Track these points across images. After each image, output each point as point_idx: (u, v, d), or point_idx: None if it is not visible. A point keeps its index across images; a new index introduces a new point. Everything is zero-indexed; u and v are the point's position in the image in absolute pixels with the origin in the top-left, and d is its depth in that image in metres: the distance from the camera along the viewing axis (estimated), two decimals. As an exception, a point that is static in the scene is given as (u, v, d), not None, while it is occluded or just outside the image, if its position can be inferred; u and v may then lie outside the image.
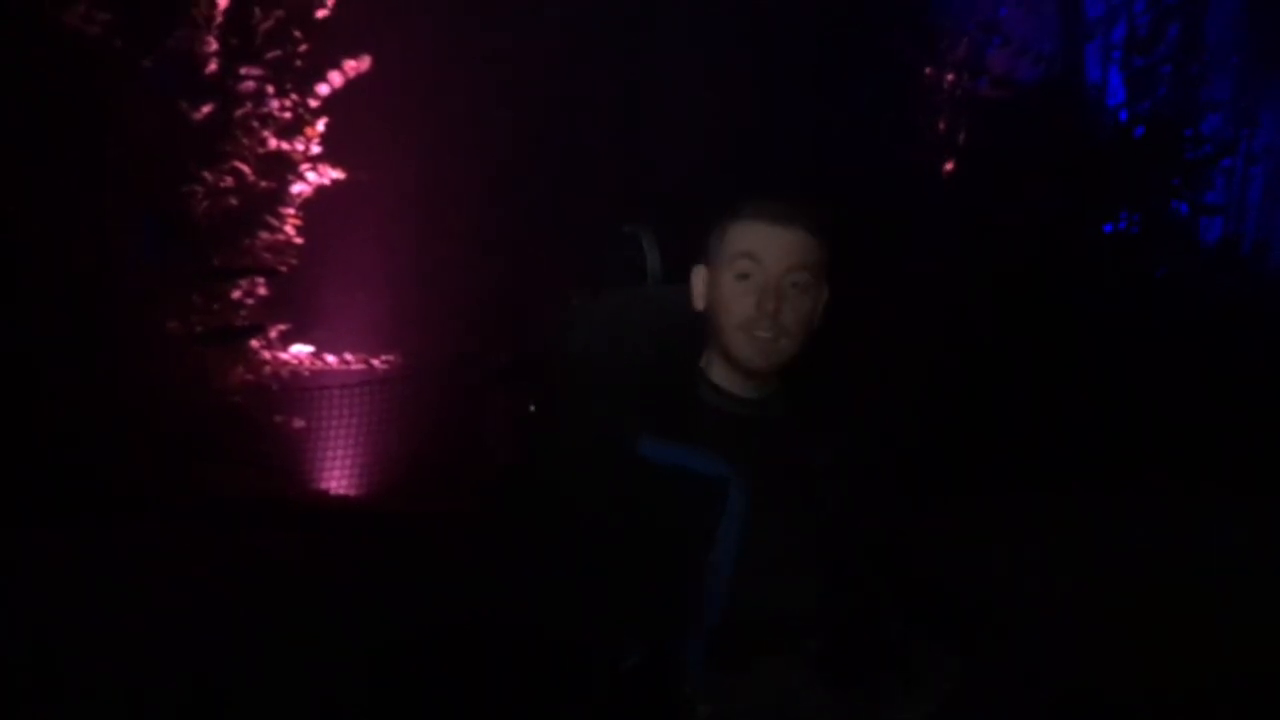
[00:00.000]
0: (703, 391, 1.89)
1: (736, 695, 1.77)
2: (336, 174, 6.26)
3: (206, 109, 6.01)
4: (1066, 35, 8.51)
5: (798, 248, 1.83)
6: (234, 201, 6.09)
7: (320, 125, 6.26)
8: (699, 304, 1.90)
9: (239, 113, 6.10)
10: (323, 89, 6.22)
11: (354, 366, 6.24)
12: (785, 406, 1.90)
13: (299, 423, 6.17)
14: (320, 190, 6.28)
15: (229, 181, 6.09)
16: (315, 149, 6.27)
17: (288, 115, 6.20)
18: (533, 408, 2.28)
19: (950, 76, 8.30)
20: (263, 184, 6.16)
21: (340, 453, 6.10)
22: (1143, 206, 7.67)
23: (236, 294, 6.12)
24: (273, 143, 6.18)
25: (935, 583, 1.92)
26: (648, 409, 1.85)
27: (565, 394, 1.97)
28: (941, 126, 8.33)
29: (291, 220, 6.22)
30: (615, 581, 1.78)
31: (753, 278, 1.82)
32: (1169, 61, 8.00)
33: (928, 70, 8.26)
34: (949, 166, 8.17)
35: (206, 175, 6.01)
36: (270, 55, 6.13)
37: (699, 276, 1.91)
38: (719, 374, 1.89)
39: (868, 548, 1.87)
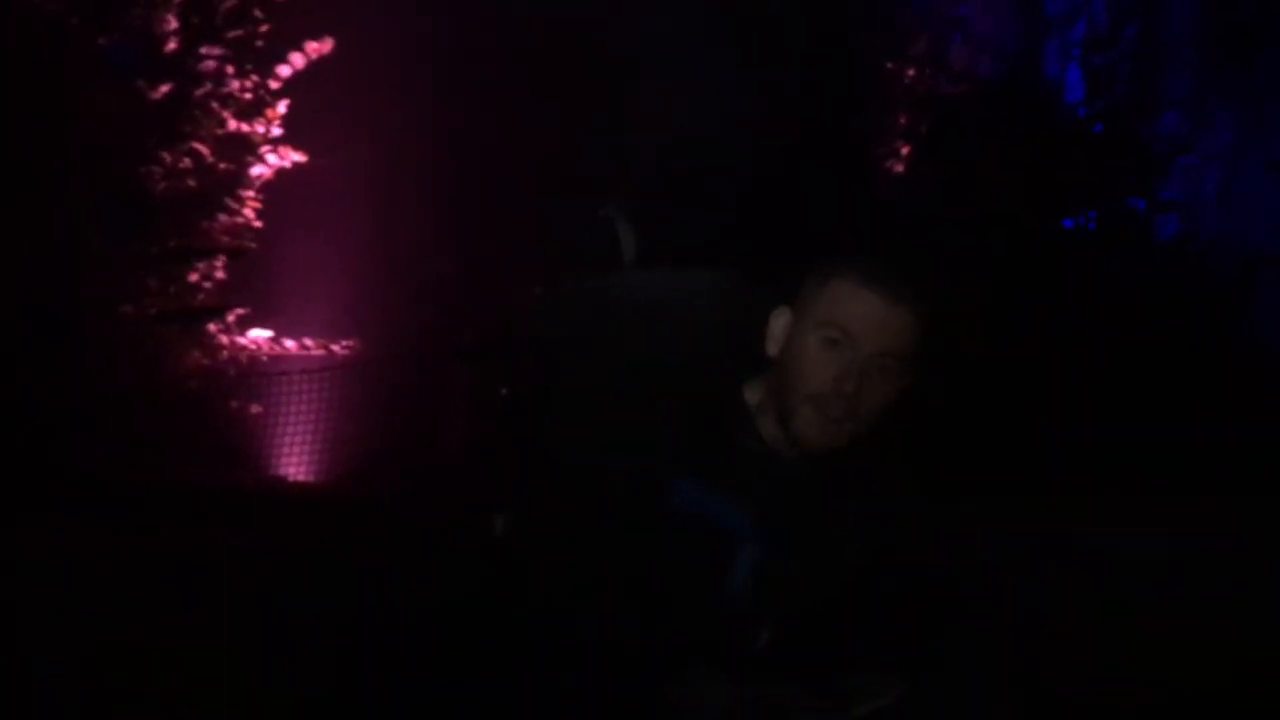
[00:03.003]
0: (743, 433, 1.71)
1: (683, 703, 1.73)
2: (297, 157, 6.18)
3: (165, 88, 5.91)
4: (1026, 33, 8.58)
5: (899, 330, 1.64)
6: (192, 183, 6.00)
7: (281, 107, 6.17)
8: (771, 349, 1.71)
9: (198, 93, 5.99)
10: (284, 70, 6.14)
11: (314, 351, 6.16)
12: (819, 470, 1.73)
13: (256, 408, 6.10)
14: (280, 173, 6.20)
15: (187, 163, 5.99)
16: (276, 131, 6.18)
17: (248, 96, 6.10)
18: (504, 391, 2.18)
19: (911, 71, 8.34)
20: (222, 165, 6.07)
21: (299, 439, 6.04)
22: (1101, 202, 7.76)
23: (194, 277, 6.03)
24: (232, 124, 6.08)
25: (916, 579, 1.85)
26: (682, 441, 1.67)
27: (564, 406, 1.76)
28: (902, 121, 8.38)
29: (251, 203, 6.13)
30: (605, 621, 1.68)
31: (840, 348, 1.63)
32: (1127, 60, 8.09)
33: (889, 65, 8.30)
34: (908, 161, 8.22)
35: (165, 156, 5.92)
36: (231, 34, 6.03)
37: (780, 319, 1.71)
38: (767, 426, 1.70)
39: (874, 590, 1.77)
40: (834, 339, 1.63)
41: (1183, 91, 8.11)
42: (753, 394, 1.72)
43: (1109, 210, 7.79)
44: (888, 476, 1.80)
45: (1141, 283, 7.68)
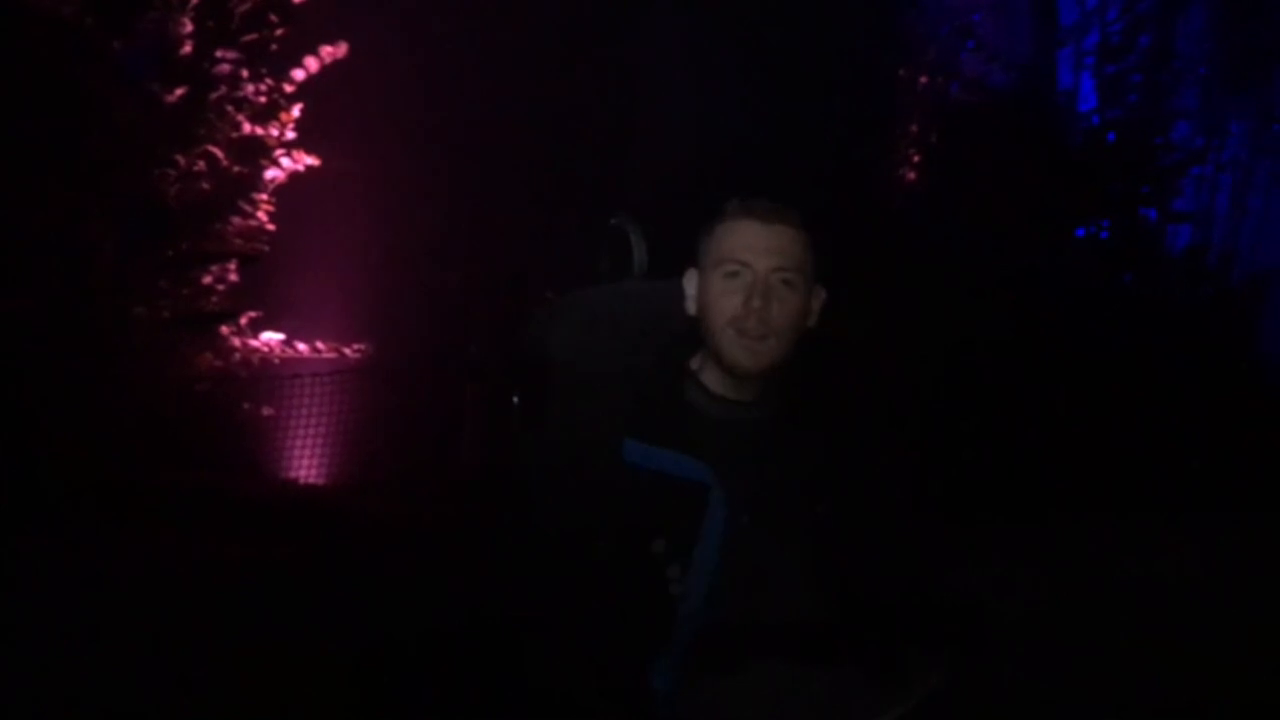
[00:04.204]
0: (691, 394, 1.88)
1: (717, 701, 1.76)
2: (311, 160, 6.21)
3: (179, 92, 5.94)
4: (1039, 42, 8.57)
5: (784, 245, 1.83)
6: (206, 186, 6.03)
7: (295, 111, 6.20)
8: (690, 307, 1.90)
9: (213, 96, 6.02)
10: (298, 74, 6.16)
11: (325, 355, 6.19)
12: (775, 413, 1.88)
13: (267, 411, 6.12)
14: (294, 176, 6.23)
15: (201, 166, 6.02)
16: (290, 135, 6.21)
17: (262, 100, 6.13)
18: (516, 400, 2.24)
19: (923, 79, 8.34)
20: (236, 169, 6.10)
21: (310, 442, 6.05)
22: (1113, 212, 7.74)
23: (207, 280, 6.05)
24: (247, 127, 6.11)
25: (923, 590, 1.90)
26: (633, 411, 1.85)
27: (548, 393, 1.95)
28: (913, 129, 8.37)
29: (264, 206, 6.16)
30: (591, 587, 1.77)
31: (740, 276, 1.83)
32: (1140, 70, 8.08)
33: (900, 72, 8.30)
34: (919, 170, 8.22)
35: (179, 159, 5.94)
36: (246, 38, 6.06)
37: (690, 280, 1.91)
38: (710, 377, 1.88)
39: (856, 555, 1.85)
40: (732, 271, 1.84)
41: (1195, 103, 8.08)
42: (697, 361, 1.91)
43: (1121, 220, 7.77)
44: (846, 429, 1.93)
45: (1153, 294, 7.66)
